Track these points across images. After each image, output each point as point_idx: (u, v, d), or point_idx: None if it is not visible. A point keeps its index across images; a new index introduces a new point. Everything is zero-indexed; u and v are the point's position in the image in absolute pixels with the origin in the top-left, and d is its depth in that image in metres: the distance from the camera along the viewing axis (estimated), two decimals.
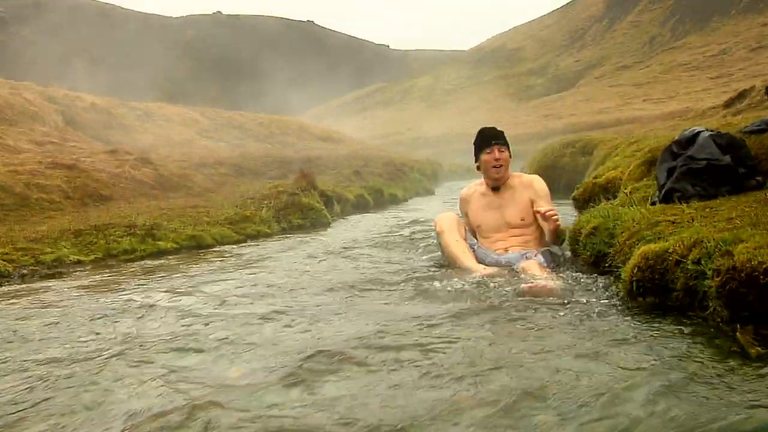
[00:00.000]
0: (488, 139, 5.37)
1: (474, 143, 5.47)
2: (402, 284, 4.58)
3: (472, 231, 5.48)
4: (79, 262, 6.51)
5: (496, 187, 5.35)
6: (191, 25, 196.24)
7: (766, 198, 3.97)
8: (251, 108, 39.66)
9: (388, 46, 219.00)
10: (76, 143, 15.76)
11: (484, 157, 5.32)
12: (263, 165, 16.86)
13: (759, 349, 2.51)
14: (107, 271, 6.11)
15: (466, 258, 4.97)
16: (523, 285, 4.00)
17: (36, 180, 10.18)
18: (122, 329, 3.62)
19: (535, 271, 4.42)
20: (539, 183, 5.38)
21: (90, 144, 16.48)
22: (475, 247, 5.25)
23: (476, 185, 5.63)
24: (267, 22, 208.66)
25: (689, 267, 3.08)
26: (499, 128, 5.52)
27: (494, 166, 5.26)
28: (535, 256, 4.79)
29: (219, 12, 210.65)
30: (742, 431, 1.83)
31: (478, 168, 5.45)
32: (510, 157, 5.38)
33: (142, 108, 24.60)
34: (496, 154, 5.25)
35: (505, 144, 5.37)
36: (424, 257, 5.89)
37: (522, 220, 5.21)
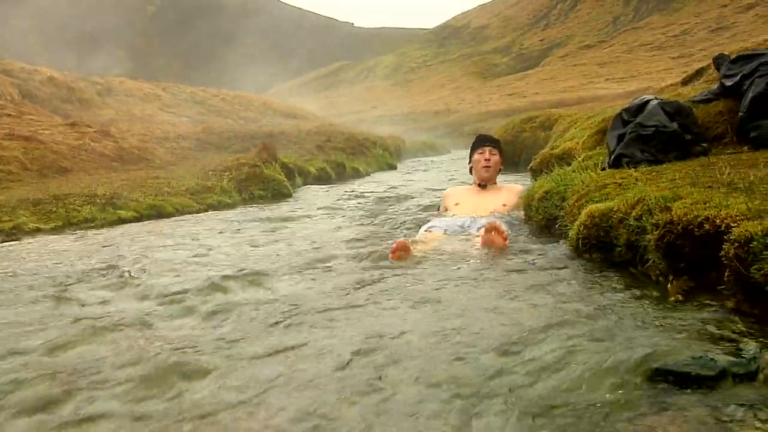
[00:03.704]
0: (481, 141, 5.95)
1: (471, 146, 6.00)
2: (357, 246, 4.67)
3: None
4: (38, 230, 6.49)
5: (483, 185, 5.75)
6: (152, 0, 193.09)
7: (709, 162, 4.12)
8: (213, 85, 39.24)
9: (352, 24, 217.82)
10: (34, 116, 15.50)
11: (475, 156, 5.82)
12: (226, 139, 16.77)
13: (679, 296, 2.68)
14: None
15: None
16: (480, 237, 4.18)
17: None
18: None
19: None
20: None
21: (48, 117, 16.22)
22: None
23: (463, 186, 6.16)
24: None
25: (631, 223, 3.21)
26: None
27: (484, 166, 5.72)
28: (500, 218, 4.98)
29: None
30: (659, 361, 1.96)
31: (471, 171, 5.93)
32: (501, 163, 5.91)
33: (102, 82, 24.27)
34: (487, 154, 5.75)
35: (497, 148, 5.87)
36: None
37: (504, 205, 5.51)
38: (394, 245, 4.11)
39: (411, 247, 4.14)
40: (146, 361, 2.35)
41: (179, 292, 3.42)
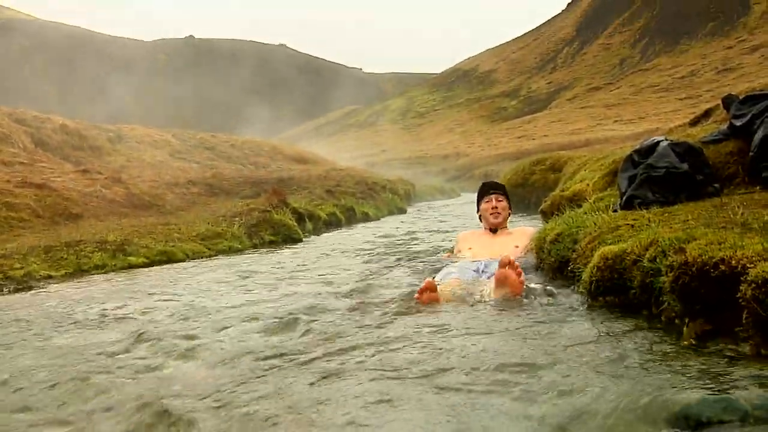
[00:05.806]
0: (487, 189, 5.94)
1: (477, 195, 6.02)
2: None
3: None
4: (49, 277, 6.49)
5: (494, 230, 5.73)
6: (163, 48, 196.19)
7: (721, 203, 4.09)
8: (223, 130, 39.63)
9: (361, 69, 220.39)
10: (46, 164, 15.64)
11: (483, 205, 5.82)
12: (236, 185, 16.85)
13: (692, 340, 2.64)
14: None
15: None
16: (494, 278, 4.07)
17: (5, 199, 10.12)
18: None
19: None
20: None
21: (60, 165, 16.36)
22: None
23: (475, 230, 6.09)
24: (239, 45, 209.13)
25: (645, 265, 3.17)
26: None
27: (492, 213, 5.72)
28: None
29: (191, 36, 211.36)
30: (680, 405, 1.92)
31: (480, 218, 5.92)
32: (510, 208, 5.89)
33: (113, 129, 24.44)
34: (494, 202, 5.74)
35: (503, 194, 5.86)
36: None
37: (516, 247, 5.46)
38: (423, 284, 4.09)
39: (438, 288, 4.12)
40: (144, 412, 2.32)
41: (186, 339, 3.39)
